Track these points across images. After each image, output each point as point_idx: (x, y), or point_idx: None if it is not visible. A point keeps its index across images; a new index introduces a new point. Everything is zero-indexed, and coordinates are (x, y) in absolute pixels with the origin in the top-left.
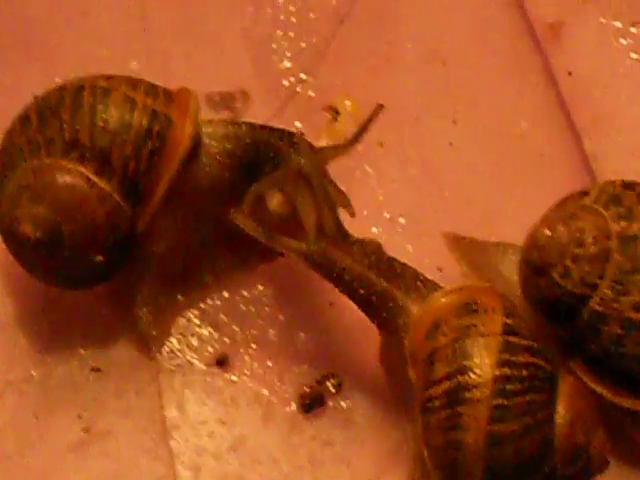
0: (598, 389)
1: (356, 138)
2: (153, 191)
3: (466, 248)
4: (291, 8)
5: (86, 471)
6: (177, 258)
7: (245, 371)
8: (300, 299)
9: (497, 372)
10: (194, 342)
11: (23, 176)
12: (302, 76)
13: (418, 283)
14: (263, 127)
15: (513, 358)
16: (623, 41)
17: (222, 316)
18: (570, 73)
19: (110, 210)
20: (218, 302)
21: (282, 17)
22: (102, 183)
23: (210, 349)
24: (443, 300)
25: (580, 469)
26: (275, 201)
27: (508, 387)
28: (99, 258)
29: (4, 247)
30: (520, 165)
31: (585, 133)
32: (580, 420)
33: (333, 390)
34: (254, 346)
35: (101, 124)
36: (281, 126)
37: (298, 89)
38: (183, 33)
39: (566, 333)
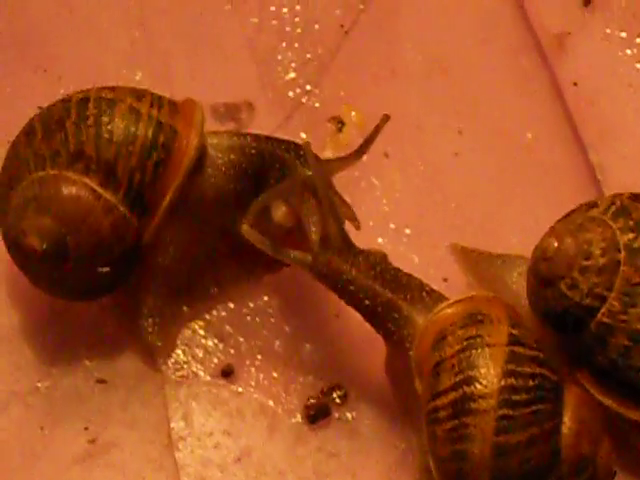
0: (605, 401)
1: (362, 150)
2: (158, 202)
3: (473, 260)
4: (296, 19)
5: None
6: (182, 269)
7: (250, 382)
8: (306, 310)
9: (503, 382)
10: (199, 353)
11: (29, 188)
12: (307, 87)
13: (423, 294)
14: (268, 138)
15: (519, 368)
16: (629, 51)
17: (227, 327)
18: (575, 84)
19: (115, 221)
20: (223, 313)
21: (287, 28)
22: (107, 194)
23: (215, 360)
24: (449, 311)
25: None
26: (280, 212)
27: (514, 397)
28: (104, 269)
29: (9, 258)
30: (525, 176)
31: (591, 144)
32: (586, 430)
33: (339, 401)
34: (259, 357)
35: (106, 135)
36: (286, 137)
37: (303, 100)
38: (188, 44)
39: (573, 345)
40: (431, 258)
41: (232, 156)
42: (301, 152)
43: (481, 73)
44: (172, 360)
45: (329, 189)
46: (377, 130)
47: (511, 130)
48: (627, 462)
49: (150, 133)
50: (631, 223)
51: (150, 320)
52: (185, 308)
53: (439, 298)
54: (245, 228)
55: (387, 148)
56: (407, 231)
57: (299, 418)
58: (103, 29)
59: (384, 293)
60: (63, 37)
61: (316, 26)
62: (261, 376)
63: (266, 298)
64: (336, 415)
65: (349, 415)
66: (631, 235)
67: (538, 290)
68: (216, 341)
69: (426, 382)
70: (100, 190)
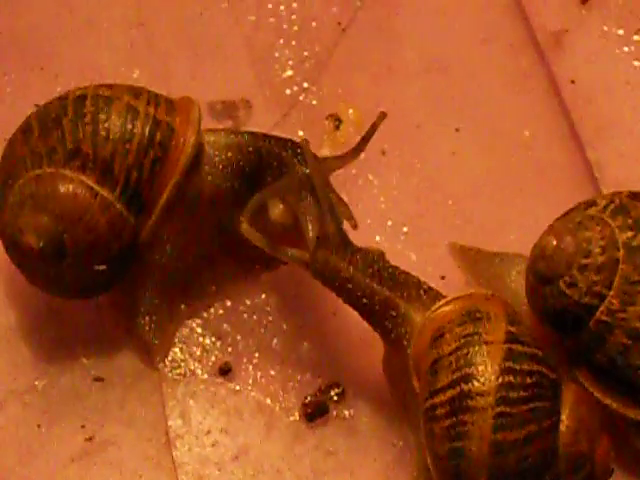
0: (604, 399)
1: (360, 148)
2: (155, 200)
3: (472, 259)
4: (293, 17)
5: None
6: (180, 267)
7: (248, 380)
8: (303, 308)
9: (500, 380)
10: (197, 351)
11: (26, 186)
12: (304, 85)
13: (421, 292)
14: (266, 136)
15: (517, 366)
16: (626, 49)
17: (225, 325)
18: (573, 81)
19: (112, 219)
20: (221, 311)
21: (284, 26)
22: (104, 192)
23: (213, 358)
24: (446, 308)
25: (584, 478)
26: (277, 210)
27: (512, 395)
28: (101, 267)
29: (6, 257)
30: (523, 173)
31: (588, 141)
32: (584, 428)
33: (336, 399)
34: (257, 355)
35: (103, 133)
36: (284, 135)
37: (300, 98)
38: (185, 42)
39: (572, 343)
40: (429, 256)
41: (229, 154)
42: (298, 150)
43: (479, 71)
44: (169, 358)
45: (327, 187)
46: (374, 128)
47: (509, 128)
48: (625, 460)
49: (147, 131)
50: (630, 221)
51: (147, 318)
52: (182, 306)
53: (436, 296)
54: (244, 226)
55: (384, 146)
56: (405, 229)
57: (297, 416)
58: (101, 27)
59: (382, 291)
60: (61, 35)
61: (313, 24)
62: (259, 374)
63: (264, 296)
64: (334, 413)
65: (347, 413)
66: (630, 233)
67: (537, 288)
68: (213, 339)
69: (424, 380)
70: (97, 188)
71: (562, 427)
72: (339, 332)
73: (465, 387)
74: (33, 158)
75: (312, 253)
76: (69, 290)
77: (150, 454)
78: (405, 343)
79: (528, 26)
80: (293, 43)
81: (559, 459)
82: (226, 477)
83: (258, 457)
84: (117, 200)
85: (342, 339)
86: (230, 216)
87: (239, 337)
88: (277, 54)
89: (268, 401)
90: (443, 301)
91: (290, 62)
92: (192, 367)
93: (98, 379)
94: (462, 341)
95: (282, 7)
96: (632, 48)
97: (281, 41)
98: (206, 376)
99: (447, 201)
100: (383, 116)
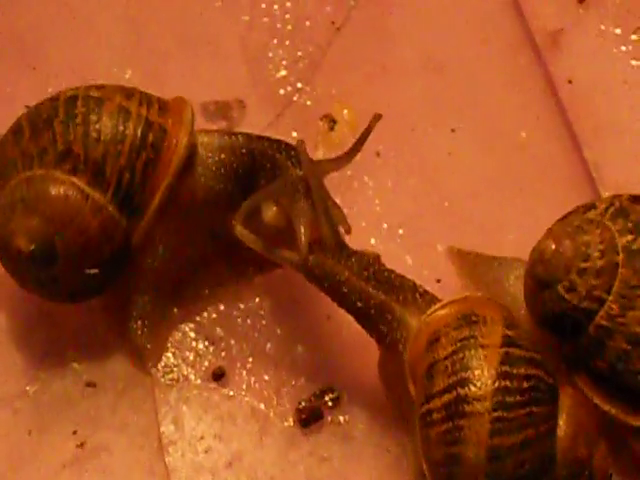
0: (603, 405)
1: (355, 150)
2: (148, 203)
3: (470, 263)
4: (287, 16)
5: None
6: (172, 270)
7: (242, 385)
8: (297, 312)
9: (497, 384)
10: (190, 356)
11: (16, 188)
12: (298, 85)
13: (417, 295)
14: (260, 138)
15: (514, 370)
16: (623, 48)
17: (218, 329)
18: (570, 81)
19: (104, 222)
20: (214, 315)
21: (278, 25)
22: (96, 194)
23: (206, 363)
24: (442, 312)
25: None
26: (270, 213)
27: (508, 399)
28: (93, 271)
29: None
30: (520, 174)
31: (586, 141)
32: (582, 433)
33: (331, 404)
34: (251, 360)
35: (94, 134)
36: (277, 136)
37: (294, 98)
38: (178, 42)
39: (571, 348)
40: (424, 259)
41: (223, 156)
42: (292, 152)
43: (475, 71)
44: (162, 363)
45: (322, 189)
46: (369, 130)
47: (505, 128)
48: (624, 466)
49: (139, 132)
50: (630, 225)
51: (140, 322)
52: (175, 310)
53: (432, 300)
54: (237, 229)
55: (379, 147)
56: (400, 231)
57: (291, 422)
58: (93, 27)
59: (377, 295)
60: (52, 35)
61: (307, 23)
62: (252, 379)
63: (257, 300)
64: (328, 419)
65: (342, 418)
66: (630, 237)
67: (535, 293)
68: (207, 344)
69: (419, 385)
70: (88, 190)
71: (560, 432)
72: (334, 336)
73: (461, 391)
74: (24, 160)
75: (306, 256)
76: (60, 294)
77: (142, 460)
78: (400, 347)
79: (525, 25)
80: (287, 43)
81: (557, 464)
82: None
83: (252, 463)
84: (109, 202)
85: (337, 343)
86: (223, 218)
87: (233, 341)
88: (271, 54)
89: (262, 407)
90: (439, 305)
91: (284, 62)
92: (185, 372)
93: (90, 384)
94: (458, 345)
95: (276, 7)
96: (630, 47)
97: (275, 41)
98: (199, 381)
99: (443, 203)
100: (378, 117)
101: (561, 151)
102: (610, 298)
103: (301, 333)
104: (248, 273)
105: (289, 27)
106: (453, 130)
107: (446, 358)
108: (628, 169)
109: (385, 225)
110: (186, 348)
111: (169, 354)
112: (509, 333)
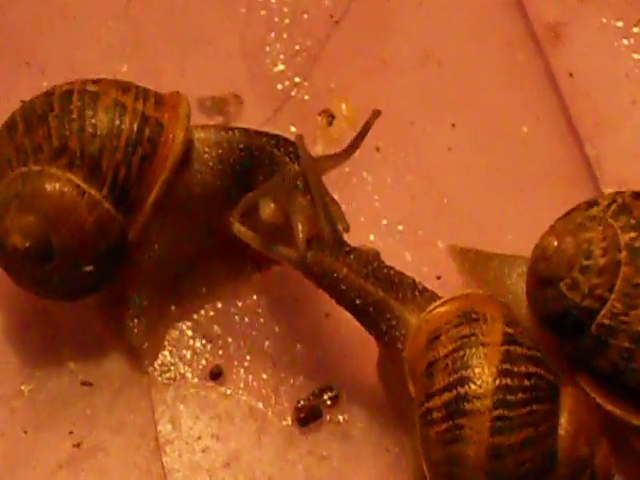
0: (606, 405)
1: (353, 147)
2: (144, 198)
3: (471, 261)
4: (284, 9)
5: None
6: (169, 268)
7: (239, 384)
8: (296, 310)
9: (498, 382)
10: (187, 354)
11: (11, 184)
12: (296, 79)
13: (416, 293)
14: (257, 133)
15: (514, 368)
16: (625, 41)
17: (216, 327)
18: (571, 75)
19: (100, 218)
20: (212, 313)
21: (276, 19)
22: (92, 190)
23: (204, 362)
24: (442, 310)
25: None
26: (268, 210)
27: (509, 398)
28: (89, 268)
29: None
30: (521, 170)
31: (587, 137)
32: (584, 432)
33: (330, 403)
34: (248, 358)
35: (90, 129)
36: (275, 131)
37: (292, 93)
38: (174, 36)
39: (574, 348)
40: (424, 255)
41: (219, 151)
42: (290, 148)
43: (475, 65)
44: (159, 362)
45: (321, 185)
46: (368, 126)
47: (506, 123)
48: (626, 465)
49: (135, 127)
50: (632, 222)
51: (136, 320)
52: (172, 308)
53: (432, 297)
54: (235, 226)
55: (379, 142)
56: (400, 228)
57: (289, 421)
58: (89, 21)
59: (376, 292)
60: (47, 29)
61: (305, 16)
62: (250, 378)
63: (255, 297)
64: (327, 417)
65: (341, 417)
66: (633, 234)
67: (537, 291)
68: (204, 342)
69: (419, 383)
70: (84, 186)
71: (561, 431)
72: (332, 334)
73: (461, 390)
74: (18, 156)
75: (304, 253)
76: (56, 292)
77: (139, 460)
78: (400, 345)
79: (525, 19)
80: (284, 36)
81: (558, 464)
82: None
83: (250, 463)
84: (105, 198)
85: (335, 341)
86: (221, 215)
87: (230, 339)
88: (268, 48)
89: (260, 405)
90: (439, 302)
91: (281, 56)
92: (182, 371)
93: (86, 383)
94: (458, 343)
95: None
96: (632, 40)
97: (272, 35)
98: (196, 380)
99: (443, 199)
100: (377, 114)
101: (562, 147)
102: (613, 296)
103: (299, 331)
104: (246, 270)
105: (287, 20)
106: (453, 125)
107: (446, 356)
108: (630, 165)
109: (384, 221)
110: (183, 346)
111: (166, 352)
112: (510, 331)
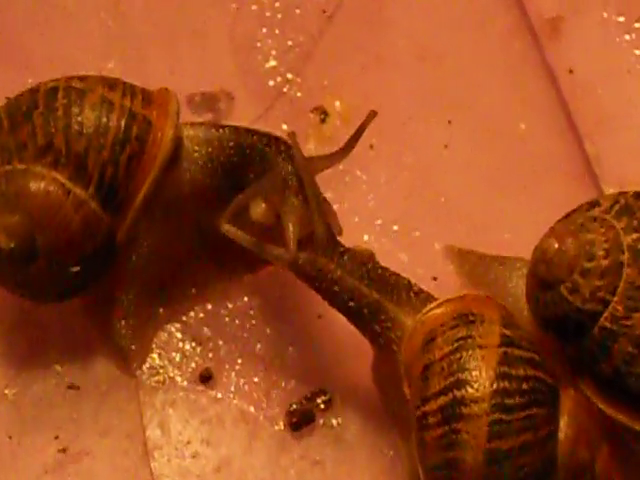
0: (607, 410)
1: (348, 147)
2: (132, 198)
3: (470, 263)
4: (277, 4)
5: None
6: (158, 269)
7: (230, 388)
8: (288, 311)
9: (495, 386)
10: (176, 357)
11: None
12: (288, 76)
13: (411, 294)
14: (248, 131)
15: (512, 371)
16: (627, 37)
17: (206, 330)
18: (571, 71)
19: (86, 218)
20: (201, 315)
21: (267, 14)
22: (78, 189)
23: (193, 365)
24: (438, 311)
25: None
26: (259, 210)
27: (507, 401)
28: (75, 269)
29: None
30: (519, 168)
31: (587, 134)
32: (584, 436)
33: (323, 407)
34: (239, 361)
35: (76, 127)
36: (267, 129)
37: (284, 89)
38: (163, 30)
39: (575, 351)
40: (420, 256)
41: (209, 149)
42: (282, 147)
43: (472, 60)
44: (147, 365)
45: (315, 185)
46: (363, 127)
47: (504, 120)
48: (628, 470)
49: (123, 124)
50: (635, 223)
51: (124, 322)
52: (161, 310)
53: (428, 298)
54: (225, 227)
55: (373, 140)
56: (395, 227)
57: (281, 425)
58: (74, 16)
59: (370, 294)
60: (32, 25)
61: (297, 11)
62: (241, 381)
63: (246, 299)
64: (320, 421)
65: (334, 421)
66: (635, 235)
67: (538, 294)
68: (194, 344)
69: (415, 386)
70: (70, 185)
71: (561, 435)
72: (325, 336)
73: (458, 394)
74: (2, 154)
75: (296, 254)
76: (42, 293)
77: (127, 466)
78: (395, 348)
79: (523, 13)
80: (276, 32)
81: (558, 469)
82: None
83: (241, 469)
84: (91, 198)
85: (329, 344)
86: (211, 214)
87: (221, 342)
88: (259, 44)
89: (251, 409)
90: (435, 303)
91: (273, 52)
92: (171, 374)
93: (72, 387)
94: (455, 345)
95: None
96: (633, 36)
97: (264, 30)
98: (186, 383)
99: (439, 198)
100: (373, 115)
101: (561, 144)
102: (615, 299)
103: (292, 333)
104: (237, 271)
105: (279, 15)
106: (449, 122)
107: (442, 359)
108: (631, 163)
109: (379, 221)
110: (172, 349)
111: (154, 355)
112: (507, 333)
